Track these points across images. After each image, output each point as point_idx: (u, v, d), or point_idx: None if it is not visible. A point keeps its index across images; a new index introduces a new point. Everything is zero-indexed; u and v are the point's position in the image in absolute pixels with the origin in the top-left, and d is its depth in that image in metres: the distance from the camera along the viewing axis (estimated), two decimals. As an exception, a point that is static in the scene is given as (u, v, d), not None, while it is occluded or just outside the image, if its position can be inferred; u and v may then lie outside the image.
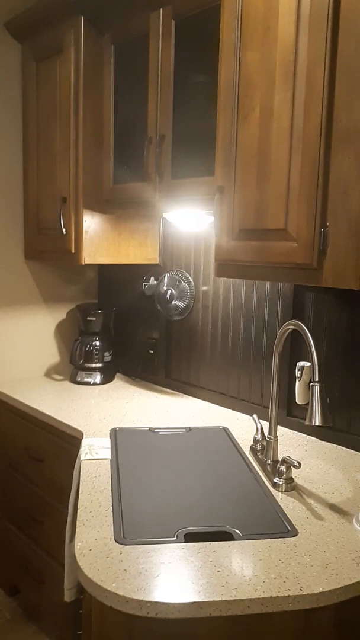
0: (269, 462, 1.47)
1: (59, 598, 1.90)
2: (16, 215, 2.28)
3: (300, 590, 0.96)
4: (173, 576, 0.99)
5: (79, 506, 1.25)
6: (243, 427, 1.82)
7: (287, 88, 1.30)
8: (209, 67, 1.56)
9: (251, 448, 1.60)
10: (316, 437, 1.74)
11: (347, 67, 1.19)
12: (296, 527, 1.18)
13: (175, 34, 1.69)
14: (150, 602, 0.93)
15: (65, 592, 1.57)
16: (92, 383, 2.32)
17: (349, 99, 1.19)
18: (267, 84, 1.34)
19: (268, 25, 1.33)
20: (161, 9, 1.71)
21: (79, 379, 2.32)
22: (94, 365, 2.34)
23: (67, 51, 1.96)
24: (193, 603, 0.93)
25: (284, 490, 1.36)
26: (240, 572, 1.01)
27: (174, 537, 1.13)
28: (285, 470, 1.37)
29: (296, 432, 1.79)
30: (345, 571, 1.02)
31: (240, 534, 1.14)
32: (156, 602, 0.93)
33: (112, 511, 1.23)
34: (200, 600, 0.93)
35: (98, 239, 2.06)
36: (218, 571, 1.01)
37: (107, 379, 2.36)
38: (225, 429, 1.79)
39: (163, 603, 0.92)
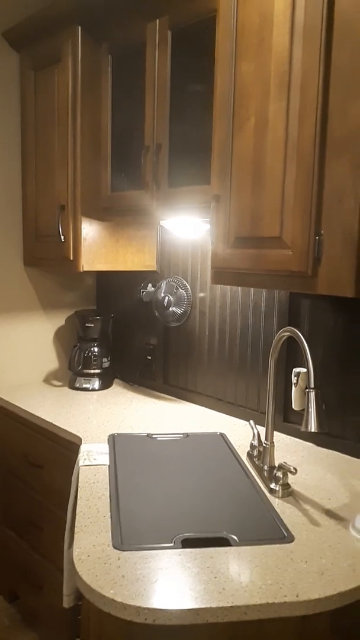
0: (265, 467, 1.48)
1: (57, 604, 1.90)
2: (15, 223, 2.30)
3: (297, 596, 0.97)
4: (170, 582, 1.00)
5: (77, 512, 1.26)
6: (240, 433, 1.83)
7: (282, 98, 1.32)
8: (205, 77, 1.57)
9: (248, 454, 1.61)
10: (312, 443, 1.75)
11: (341, 77, 1.21)
12: (293, 533, 1.19)
13: (171, 44, 1.71)
14: (148, 608, 0.94)
15: (64, 598, 1.58)
16: (90, 389, 2.32)
17: (343, 108, 1.21)
18: (262, 94, 1.36)
19: (263, 36, 1.35)
20: (158, 20, 1.73)
21: (78, 385, 2.33)
22: (92, 371, 2.35)
23: (64, 60, 1.98)
24: (190, 610, 0.94)
25: (280, 496, 1.36)
26: (237, 578, 1.02)
27: (172, 543, 1.14)
28: (281, 476, 1.38)
29: (293, 438, 1.80)
30: (342, 577, 1.03)
31: (237, 540, 1.15)
32: (154, 609, 0.93)
33: (110, 517, 1.24)
34: (197, 606, 0.94)
35: (96, 246, 2.08)
36: (215, 577, 1.02)
37: (105, 385, 2.37)
38: (222, 435, 1.80)
39: (160, 610, 0.93)
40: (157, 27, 1.74)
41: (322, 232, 1.26)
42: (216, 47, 1.47)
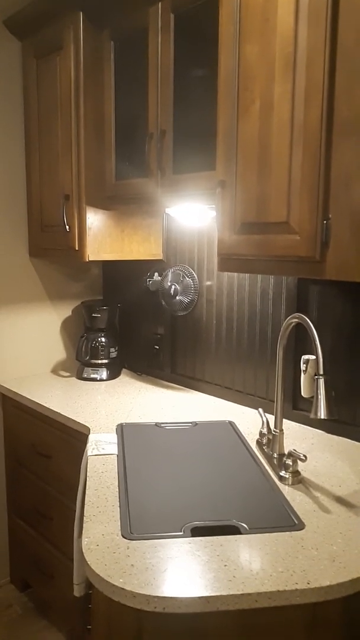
0: (275, 455, 1.47)
1: (68, 593, 1.91)
2: (20, 213, 2.29)
3: (308, 584, 0.96)
4: (180, 571, 1.00)
5: (86, 502, 1.26)
6: (249, 421, 1.82)
7: (287, 80, 1.29)
8: (209, 61, 1.55)
9: (257, 442, 1.60)
10: (322, 430, 1.73)
11: (347, 58, 1.18)
12: (303, 520, 1.18)
13: (174, 28, 1.68)
14: (157, 597, 0.93)
15: (74, 587, 1.58)
16: (98, 379, 2.32)
17: (349, 89, 1.18)
18: (267, 76, 1.33)
19: (267, 16, 1.32)
20: (159, 3, 1.70)
21: (85, 375, 2.33)
22: (100, 361, 2.35)
23: (66, 48, 1.96)
24: (200, 598, 0.93)
25: (290, 483, 1.36)
26: (248, 566, 1.01)
27: (181, 531, 1.13)
28: (291, 463, 1.37)
29: (302, 425, 1.78)
30: (353, 564, 1.02)
31: (247, 528, 1.15)
32: (164, 597, 0.93)
33: (119, 506, 1.23)
34: (207, 594, 0.93)
35: (101, 236, 2.07)
36: (225, 565, 1.01)
37: (113, 375, 2.36)
38: (231, 423, 1.79)
39: (170, 598, 0.93)
40: (160, 11, 1.71)
41: (330, 216, 1.24)
42: (219, 30, 1.44)
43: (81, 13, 1.90)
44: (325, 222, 1.25)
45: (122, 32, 1.88)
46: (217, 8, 1.45)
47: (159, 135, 1.75)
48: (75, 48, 1.94)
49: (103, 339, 2.35)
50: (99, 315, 2.36)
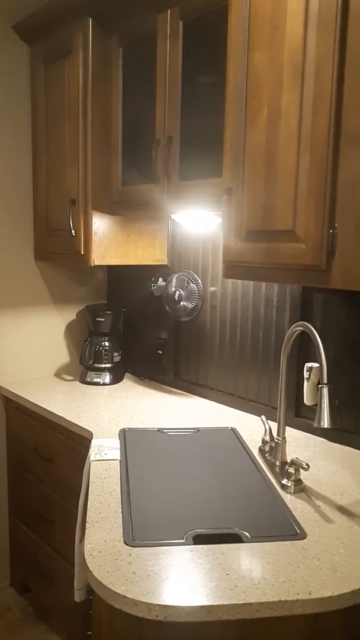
0: (277, 463, 1.47)
1: (69, 597, 1.91)
2: (26, 217, 2.30)
3: (310, 594, 0.96)
4: (182, 579, 1.00)
5: (88, 507, 1.26)
6: (251, 428, 1.82)
7: (295, 88, 1.29)
8: (217, 68, 1.55)
9: (259, 449, 1.60)
10: (325, 438, 1.73)
11: (356, 67, 1.18)
12: (305, 529, 1.18)
13: (183, 35, 1.68)
14: (159, 605, 0.93)
15: (75, 592, 1.58)
16: (101, 383, 2.32)
17: (357, 98, 1.18)
18: (275, 85, 1.34)
19: (276, 24, 1.32)
20: (169, 10, 1.71)
21: (89, 379, 2.33)
22: (103, 365, 2.35)
23: (75, 53, 1.97)
24: (202, 607, 0.93)
25: (292, 492, 1.35)
26: (249, 575, 1.01)
27: (183, 539, 1.13)
28: (293, 471, 1.37)
29: (304, 433, 1.78)
30: (355, 575, 1.02)
31: (249, 537, 1.14)
32: (165, 606, 0.93)
33: (122, 512, 1.23)
34: (209, 604, 0.93)
35: (107, 240, 2.07)
36: (227, 574, 1.01)
37: (116, 379, 2.37)
38: (233, 430, 1.78)
39: (172, 606, 0.93)
40: (169, 18, 1.71)
41: (336, 225, 1.24)
42: (228, 37, 1.45)
43: (90, 19, 1.91)
44: (331, 231, 1.25)
45: (130, 38, 1.89)
46: (227, 16, 1.46)
47: (166, 141, 1.75)
48: (84, 54, 1.95)
49: (107, 343, 2.36)
50: (103, 320, 2.36)
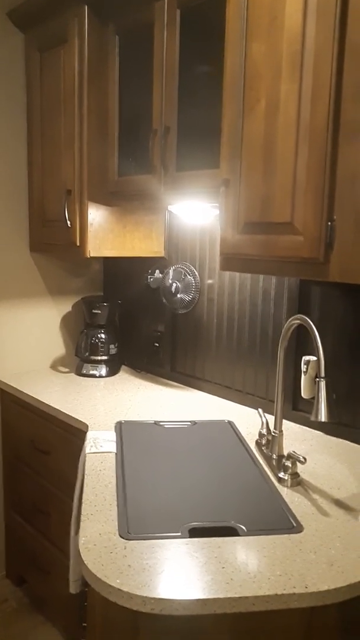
0: (274, 456, 1.47)
1: (64, 589, 1.91)
2: (21, 208, 2.27)
3: (306, 588, 0.96)
4: (177, 572, 0.99)
5: (83, 500, 1.26)
6: (248, 421, 1.82)
7: (294, 79, 1.28)
8: (215, 58, 1.53)
9: (256, 442, 1.60)
10: (322, 432, 1.73)
11: (355, 57, 1.17)
12: (301, 523, 1.18)
13: (180, 23, 1.66)
14: (154, 598, 0.93)
15: (70, 584, 1.58)
16: (97, 375, 2.32)
17: (357, 89, 1.17)
18: (274, 75, 1.32)
19: (274, 14, 1.31)
20: (166, -2, 1.68)
21: (85, 372, 2.33)
22: (99, 357, 2.34)
23: (71, 41, 1.94)
24: (197, 600, 0.93)
25: (289, 485, 1.35)
26: (245, 568, 1.01)
27: (179, 532, 1.13)
28: (290, 465, 1.36)
29: (302, 427, 1.78)
30: (351, 569, 1.02)
31: (245, 530, 1.14)
32: (160, 599, 0.93)
33: (117, 505, 1.23)
34: (204, 597, 0.93)
35: (103, 232, 2.05)
36: (223, 567, 1.01)
37: (112, 372, 2.36)
38: (230, 423, 1.78)
39: (167, 600, 0.92)
40: (166, 6, 1.69)
41: (335, 217, 1.23)
42: (226, 26, 1.43)
43: (86, 6, 1.89)
44: (329, 223, 1.24)
45: (127, 26, 1.86)
46: (224, 4, 1.44)
47: (163, 131, 1.73)
48: (80, 42, 1.92)
49: (103, 336, 2.34)
50: (99, 312, 2.35)
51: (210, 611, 0.93)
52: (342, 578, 0.99)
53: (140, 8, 1.78)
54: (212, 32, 1.55)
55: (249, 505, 1.25)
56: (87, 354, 2.33)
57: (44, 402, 1.95)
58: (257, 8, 1.35)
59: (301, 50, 1.26)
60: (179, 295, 2.15)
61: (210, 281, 2.08)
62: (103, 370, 2.33)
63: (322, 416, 1.22)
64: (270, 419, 1.78)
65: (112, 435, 1.64)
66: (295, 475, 1.37)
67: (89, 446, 1.56)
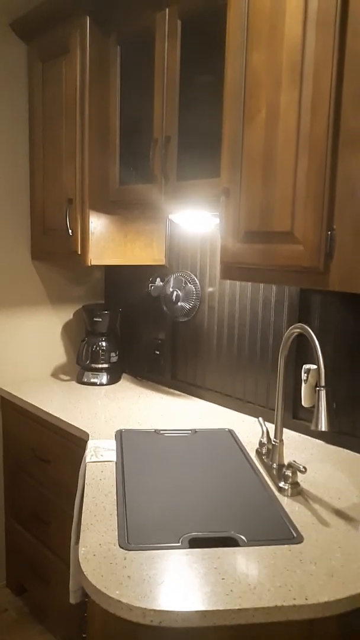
0: (274, 465, 1.46)
1: (65, 598, 1.89)
2: (22, 216, 2.28)
3: (306, 599, 0.95)
4: (177, 583, 0.99)
5: (83, 510, 1.25)
6: (249, 430, 1.81)
7: (294, 88, 1.28)
8: (215, 68, 1.54)
9: (257, 451, 1.59)
10: (322, 441, 1.72)
11: (355, 67, 1.17)
12: (302, 533, 1.17)
13: (181, 34, 1.67)
14: (154, 610, 0.92)
15: (70, 593, 1.57)
16: (98, 383, 2.31)
17: (357, 99, 1.17)
18: (274, 85, 1.33)
19: (275, 24, 1.31)
20: (167, 9, 1.69)
21: (86, 380, 2.32)
22: (100, 365, 2.34)
23: (72, 51, 1.96)
24: (197, 612, 0.92)
25: (289, 494, 1.34)
26: (245, 579, 1.00)
27: (179, 542, 1.12)
28: (290, 474, 1.36)
29: (302, 435, 1.77)
30: (352, 580, 1.01)
31: (245, 540, 1.13)
32: (160, 611, 0.92)
33: (117, 515, 1.22)
34: (204, 609, 0.92)
35: (104, 240, 2.06)
36: (222, 579, 1.00)
37: (113, 380, 2.36)
38: (230, 432, 1.78)
39: (167, 611, 0.92)
40: (167, 17, 1.70)
41: (335, 226, 1.23)
42: (227, 36, 1.44)
43: (88, 17, 1.90)
44: (329, 232, 1.24)
45: (128, 36, 1.88)
46: (225, 14, 1.45)
47: (164, 141, 1.74)
48: (82, 52, 1.93)
49: (104, 343, 2.34)
50: (100, 320, 2.35)
51: (210, 623, 0.93)
52: (343, 589, 0.98)
53: (141, 18, 1.79)
54: (213, 42, 1.56)
55: (249, 515, 1.24)
56: (88, 362, 2.33)
57: (44, 411, 1.95)
58: (257, 18, 1.36)
59: (301, 60, 1.26)
60: (179, 304, 2.15)
61: (211, 289, 2.09)
62: (104, 378, 2.33)
63: (322, 425, 1.21)
64: (271, 427, 1.77)
65: (113, 444, 1.64)
66: (295, 484, 1.36)
67: (89, 455, 1.56)
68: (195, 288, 2.12)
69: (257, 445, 1.64)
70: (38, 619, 2.22)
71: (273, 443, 1.48)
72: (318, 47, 1.22)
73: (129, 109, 1.93)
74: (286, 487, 1.35)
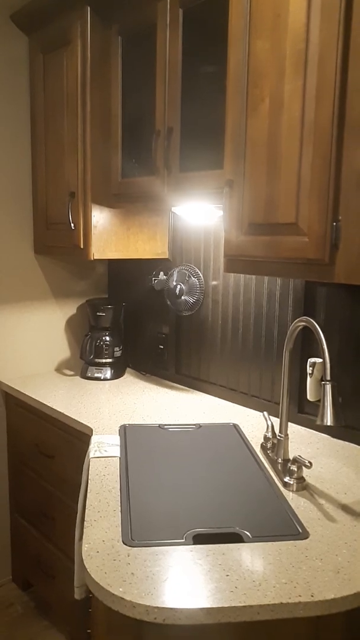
0: (279, 460, 1.45)
1: (70, 594, 1.90)
2: (25, 210, 2.27)
3: (312, 596, 0.94)
4: (181, 580, 0.97)
5: (87, 506, 1.24)
6: (253, 424, 1.80)
7: (298, 77, 1.26)
8: (218, 58, 1.52)
9: (262, 446, 1.58)
10: (328, 435, 1.71)
11: (360, 55, 1.15)
12: (307, 529, 1.15)
13: (182, 23, 1.65)
14: (157, 607, 0.91)
15: (75, 589, 1.57)
16: (102, 378, 2.30)
17: (362, 88, 1.15)
18: (277, 74, 1.30)
19: (278, 11, 1.29)
20: (168, -2, 1.67)
21: (89, 374, 2.31)
22: (104, 360, 2.33)
23: (74, 43, 1.93)
24: (201, 609, 0.91)
25: (294, 490, 1.33)
26: (250, 576, 0.99)
27: (183, 539, 1.11)
28: (296, 469, 1.34)
29: (307, 430, 1.76)
30: (358, 576, 0.99)
31: (250, 536, 1.12)
32: (164, 608, 0.91)
33: (121, 511, 1.21)
34: (208, 606, 0.91)
35: (107, 234, 2.04)
36: (227, 575, 0.99)
37: (117, 374, 2.34)
38: (235, 426, 1.76)
39: (170, 609, 0.91)
40: (168, 6, 1.68)
41: (340, 217, 1.21)
42: (229, 25, 1.41)
43: (88, 8, 1.88)
44: (335, 223, 1.22)
45: (130, 27, 1.85)
46: (227, 3, 1.42)
47: (166, 132, 1.72)
48: (83, 43, 1.91)
49: (107, 338, 2.33)
50: (104, 314, 2.33)
51: (215, 620, 0.91)
52: (349, 586, 0.97)
53: (142, 8, 1.77)
54: (215, 31, 1.54)
55: (254, 510, 1.23)
56: (91, 356, 2.32)
57: (48, 406, 1.94)
58: (260, 6, 1.33)
59: (305, 48, 1.24)
60: (183, 297, 2.13)
61: (214, 282, 2.07)
62: (108, 373, 2.32)
63: (328, 420, 1.19)
64: (276, 422, 1.76)
65: (117, 439, 1.63)
66: (300, 479, 1.34)
67: (93, 450, 1.55)
68: (199, 281, 2.10)
69: (262, 440, 1.63)
70: (44, 613, 2.22)
71: (278, 437, 1.47)
72: (322, 34, 1.20)
73: (131, 101, 1.91)
74: (291, 482, 1.34)
